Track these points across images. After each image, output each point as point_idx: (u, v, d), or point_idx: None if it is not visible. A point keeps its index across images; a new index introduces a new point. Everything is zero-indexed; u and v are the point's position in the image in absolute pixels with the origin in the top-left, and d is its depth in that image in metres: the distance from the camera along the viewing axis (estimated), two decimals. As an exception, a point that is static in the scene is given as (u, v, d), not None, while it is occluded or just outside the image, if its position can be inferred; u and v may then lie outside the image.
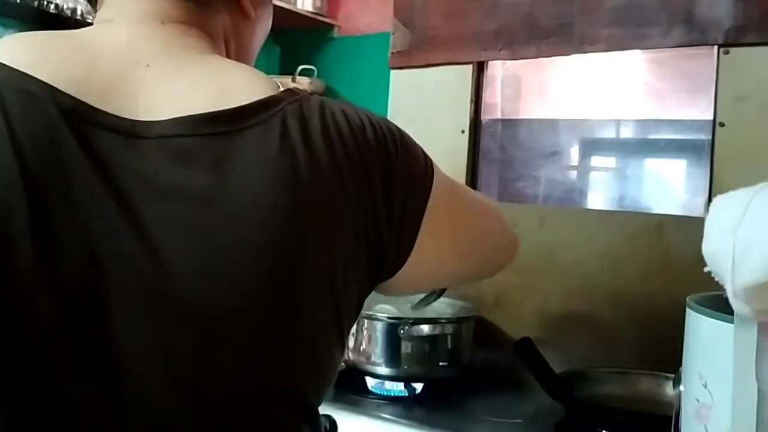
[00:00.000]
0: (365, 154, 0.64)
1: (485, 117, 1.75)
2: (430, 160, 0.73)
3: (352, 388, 1.45)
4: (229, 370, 0.58)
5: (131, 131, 0.58)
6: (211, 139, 0.59)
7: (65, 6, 2.03)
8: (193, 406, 0.58)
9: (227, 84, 0.64)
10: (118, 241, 0.55)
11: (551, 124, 1.82)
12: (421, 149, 0.73)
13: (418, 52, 1.76)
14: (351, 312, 0.67)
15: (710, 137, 1.41)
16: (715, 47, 1.40)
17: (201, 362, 0.57)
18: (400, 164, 0.67)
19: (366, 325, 1.45)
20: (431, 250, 0.72)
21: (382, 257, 0.67)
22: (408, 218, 0.68)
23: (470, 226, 0.81)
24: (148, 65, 0.62)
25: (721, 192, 0.83)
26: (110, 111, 0.59)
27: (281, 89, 0.65)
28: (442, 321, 1.47)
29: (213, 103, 0.61)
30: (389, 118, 1.77)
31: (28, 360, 0.54)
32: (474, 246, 0.83)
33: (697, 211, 1.51)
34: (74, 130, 0.56)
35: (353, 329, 1.46)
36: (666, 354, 1.17)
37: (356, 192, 0.63)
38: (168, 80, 0.62)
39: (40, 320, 0.54)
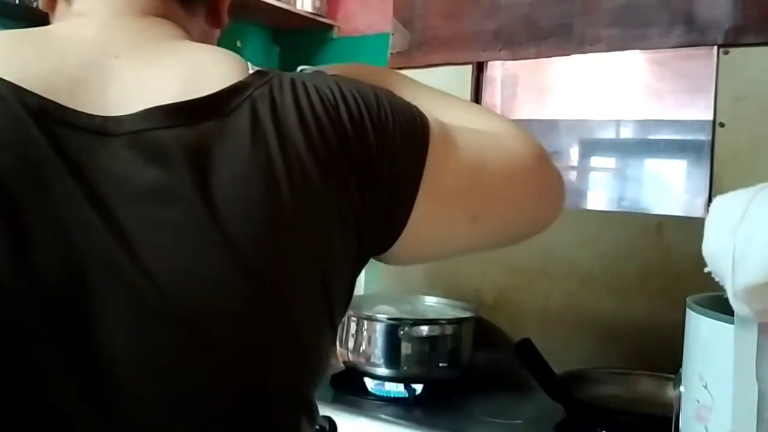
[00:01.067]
0: (341, 135, 0.61)
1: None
2: (424, 121, 0.67)
3: (351, 389, 1.44)
4: (218, 369, 0.57)
5: (102, 129, 0.57)
6: (181, 132, 0.57)
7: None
8: (187, 408, 0.57)
9: (196, 71, 0.62)
10: (97, 243, 0.54)
11: (551, 125, 1.82)
12: (411, 111, 0.67)
13: (418, 53, 1.76)
14: (342, 298, 0.65)
15: (710, 137, 1.41)
16: (715, 47, 1.40)
17: (188, 362, 0.56)
18: (380, 138, 0.63)
19: (366, 326, 1.45)
20: (433, 218, 0.67)
21: (373, 236, 0.64)
22: (398, 191, 0.64)
23: (486, 187, 0.71)
24: (117, 56, 0.61)
25: (721, 192, 0.83)
26: (80, 108, 0.57)
27: (251, 71, 0.62)
28: (442, 322, 1.47)
29: (181, 93, 0.59)
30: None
31: (13, 364, 0.53)
32: (492, 208, 0.72)
33: (697, 212, 1.51)
34: (43, 131, 0.55)
35: (353, 330, 1.47)
36: (666, 355, 1.16)
37: (337, 175, 0.60)
38: (137, 71, 0.61)
39: (23, 324, 0.53)
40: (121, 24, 0.64)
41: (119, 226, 0.55)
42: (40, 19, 0.74)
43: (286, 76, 0.63)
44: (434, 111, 0.71)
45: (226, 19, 0.75)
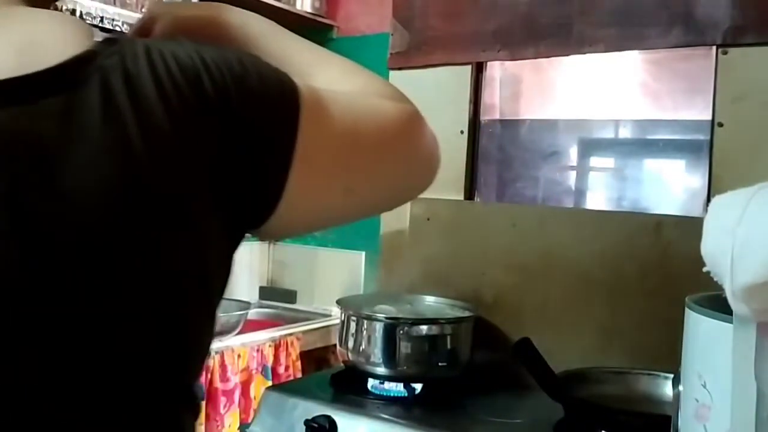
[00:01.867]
0: (205, 106, 0.56)
1: (484, 117, 1.75)
2: (294, 88, 0.62)
3: (351, 389, 1.45)
4: (75, 363, 0.53)
5: None
6: (16, 112, 0.51)
7: (64, 7, 2.03)
8: (44, 413, 0.53)
9: (33, 40, 0.54)
10: None
11: (550, 125, 1.83)
12: (280, 79, 0.63)
13: (417, 53, 1.76)
14: (219, 277, 0.61)
15: (709, 137, 1.41)
16: (714, 47, 1.40)
17: (39, 363, 0.52)
18: (247, 108, 0.59)
19: (365, 326, 1.45)
20: (308, 191, 0.64)
21: (247, 210, 0.61)
22: (270, 164, 0.60)
23: (360, 156, 0.68)
24: None
25: (720, 192, 0.83)
26: None
27: (97, 39, 0.56)
28: (442, 321, 1.47)
29: (16, 66, 0.52)
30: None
31: None
32: (367, 177, 0.70)
33: (695, 211, 1.52)
34: None
35: (352, 330, 1.47)
36: (665, 354, 1.17)
37: (203, 149, 0.56)
38: None
39: None
40: None
41: None
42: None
43: (140, 44, 0.57)
44: (304, 71, 0.68)
45: None
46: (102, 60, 0.54)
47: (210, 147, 0.57)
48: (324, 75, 0.73)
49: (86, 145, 0.51)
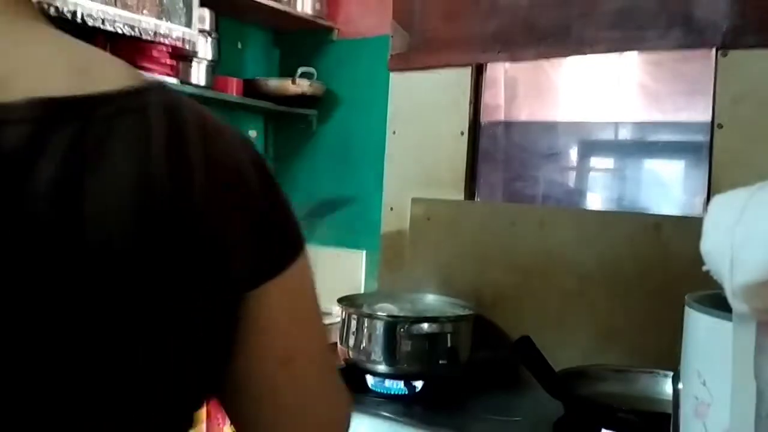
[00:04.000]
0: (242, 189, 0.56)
1: (486, 119, 1.76)
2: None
3: (352, 387, 1.44)
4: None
5: None
6: (74, 128, 0.49)
7: (65, 9, 2.03)
8: None
9: (86, 63, 0.53)
10: None
11: (550, 126, 1.84)
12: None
13: (417, 55, 1.77)
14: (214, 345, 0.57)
15: (708, 139, 1.42)
16: (713, 49, 1.41)
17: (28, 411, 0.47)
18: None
19: (366, 324, 1.46)
20: None
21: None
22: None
23: None
24: None
25: (719, 193, 0.83)
26: None
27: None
28: (442, 320, 1.48)
29: (74, 84, 0.50)
30: (389, 120, 1.81)
31: None
32: None
33: (695, 211, 1.53)
34: None
35: (353, 328, 1.47)
36: (665, 352, 1.17)
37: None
38: (9, 52, 0.52)
39: None
40: None
41: None
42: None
43: (189, 102, 0.56)
44: None
45: None
46: (153, 96, 0.53)
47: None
48: None
49: (115, 176, 0.50)
